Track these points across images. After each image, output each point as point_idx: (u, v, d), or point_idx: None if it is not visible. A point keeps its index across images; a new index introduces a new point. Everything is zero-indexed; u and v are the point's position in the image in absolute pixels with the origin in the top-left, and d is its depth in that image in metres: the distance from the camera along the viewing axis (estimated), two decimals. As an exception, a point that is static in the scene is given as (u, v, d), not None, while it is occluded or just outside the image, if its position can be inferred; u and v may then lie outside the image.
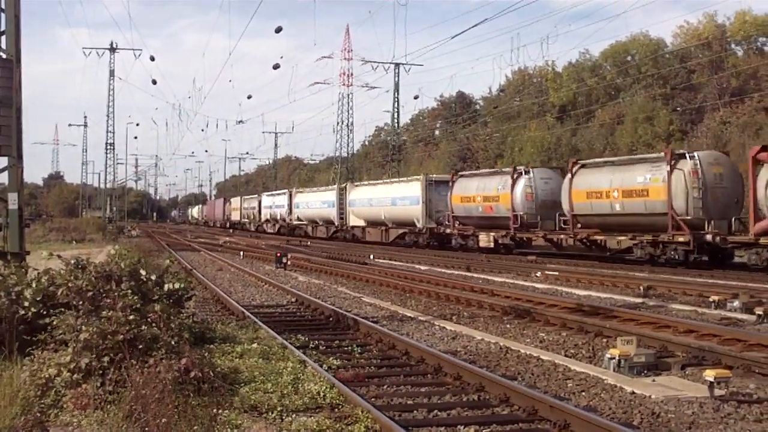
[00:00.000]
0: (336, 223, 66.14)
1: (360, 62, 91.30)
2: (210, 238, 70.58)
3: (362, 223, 61.02)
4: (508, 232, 42.57)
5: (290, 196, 79.45)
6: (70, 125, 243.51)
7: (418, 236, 52.45)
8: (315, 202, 71.36)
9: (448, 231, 48.95)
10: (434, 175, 54.59)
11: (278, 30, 41.98)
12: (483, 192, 45.24)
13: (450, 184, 48.93)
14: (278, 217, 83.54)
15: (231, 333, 14.10)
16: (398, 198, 54.43)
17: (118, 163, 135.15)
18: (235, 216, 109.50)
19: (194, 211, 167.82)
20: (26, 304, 10.97)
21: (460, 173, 51.42)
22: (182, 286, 11.77)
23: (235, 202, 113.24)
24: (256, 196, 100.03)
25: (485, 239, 44.02)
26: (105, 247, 42.68)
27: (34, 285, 11.21)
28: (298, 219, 76.47)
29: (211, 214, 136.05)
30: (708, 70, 70.41)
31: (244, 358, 11.60)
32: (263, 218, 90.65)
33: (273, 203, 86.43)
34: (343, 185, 66.54)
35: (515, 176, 42.72)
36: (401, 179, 61.34)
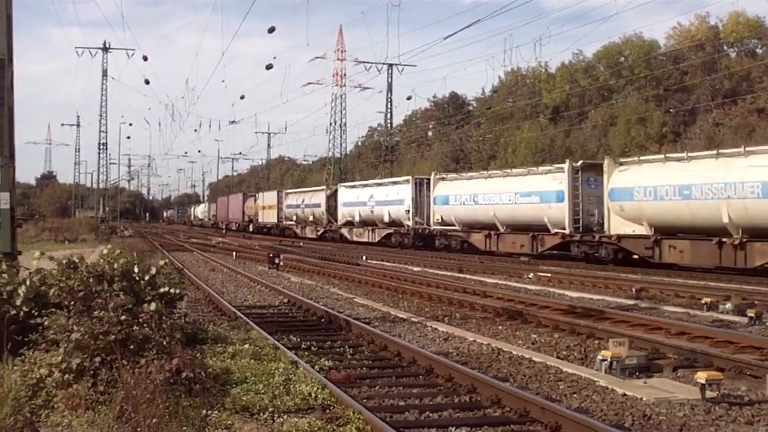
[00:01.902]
0: (566, 231, 37.15)
1: (353, 63, 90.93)
2: (203, 239, 70.51)
3: (644, 230, 32.95)
4: None
5: (422, 187, 50.86)
6: (62, 125, 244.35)
7: None
8: (502, 195, 41.37)
9: None
10: None
11: (271, 30, 42.07)
12: None
13: None
14: (385, 219, 54.91)
15: (223, 333, 14.07)
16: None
17: (110, 163, 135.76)
18: (269, 217, 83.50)
19: (198, 210, 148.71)
20: (17, 303, 10.93)
21: None
22: (178, 291, 11.77)
23: (269, 198, 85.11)
24: (321, 188, 71.36)
25: None
26: (97, 247, 42.59)
27: (25, 285, 11.17)
28: (442, 222, 47.79)
29: (223, 214, 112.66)
30: (701, 72, 70.58)
31: (236, 359, 11.58)
32: (342, 219, 63.00)
33: (371, 198, 57.13)
34: (581, 163, 38.65)
35: None
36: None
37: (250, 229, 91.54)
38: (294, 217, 75.82)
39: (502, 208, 41.56)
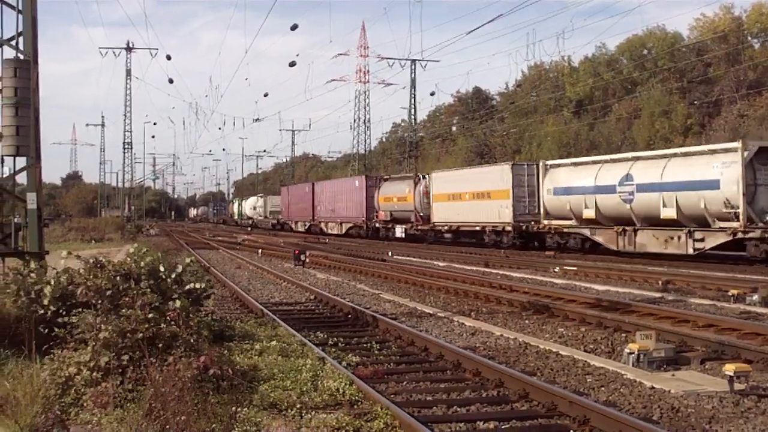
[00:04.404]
0: None
1: (376, 59, 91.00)
2: (229, 237, 70.64)
3: None
4: None
5: None
6: (87, 125, 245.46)
7: None
8: None
9: None
10: None
11: (294, 27, 42.17)
12: None
13: None
14: None
15: (250, 331, 14.12)
16: None
17: (135, 163, 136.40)
18: (473, 213, 46.17)
19: (246, 206, 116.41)
20: (45, 303, 11.02)
21: None
22: (203, 286, 11.81)
23: (483, 176, 46.78)
24: (732, 146, 29.60)
25: None
26: (124, 247, 42.83)
27: (53, 284, 11.25)
28: None
29: (302, 210, 78.52)
30: (725, 63, 70.08)
31: (263, 356, 11.60)
32: None
33: None
34: None
35: None
36: None
37: (398, 233, 56.16)
38: (585, 210, 36.57)
39: None
